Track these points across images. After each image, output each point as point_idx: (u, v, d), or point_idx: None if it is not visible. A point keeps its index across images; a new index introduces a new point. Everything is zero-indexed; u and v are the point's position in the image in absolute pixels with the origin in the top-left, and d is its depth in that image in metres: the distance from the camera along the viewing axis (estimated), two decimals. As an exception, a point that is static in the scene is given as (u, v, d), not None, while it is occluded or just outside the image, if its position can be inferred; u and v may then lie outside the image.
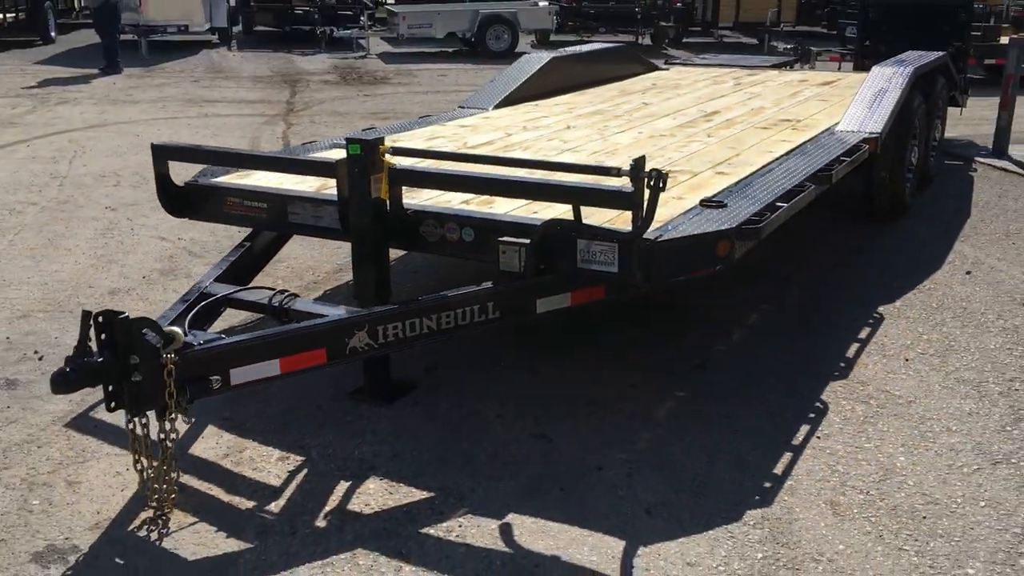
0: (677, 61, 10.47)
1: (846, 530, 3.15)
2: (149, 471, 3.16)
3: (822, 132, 5.75)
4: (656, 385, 4.24)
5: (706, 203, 4.00)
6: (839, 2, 21.26)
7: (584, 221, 3.53)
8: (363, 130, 6.07)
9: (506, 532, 3.15)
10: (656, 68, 9.39)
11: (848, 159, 5.05)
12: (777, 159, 4.96)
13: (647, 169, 3.30)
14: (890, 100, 6.08)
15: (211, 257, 5.87)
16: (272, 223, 4.33)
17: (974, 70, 12.08)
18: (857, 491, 3.38)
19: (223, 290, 3.86)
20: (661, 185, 3.31)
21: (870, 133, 5.63)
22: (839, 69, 10.57)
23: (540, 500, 3.33)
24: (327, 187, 4.22)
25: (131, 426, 3.10)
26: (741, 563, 2.98)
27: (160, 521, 3.15)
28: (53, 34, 18.23)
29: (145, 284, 5.41)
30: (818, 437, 3.77)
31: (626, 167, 3.35)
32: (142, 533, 3.10)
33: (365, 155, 3.73)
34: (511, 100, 6.94)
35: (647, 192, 3.32)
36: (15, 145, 9.18)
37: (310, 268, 5.78)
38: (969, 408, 4.00)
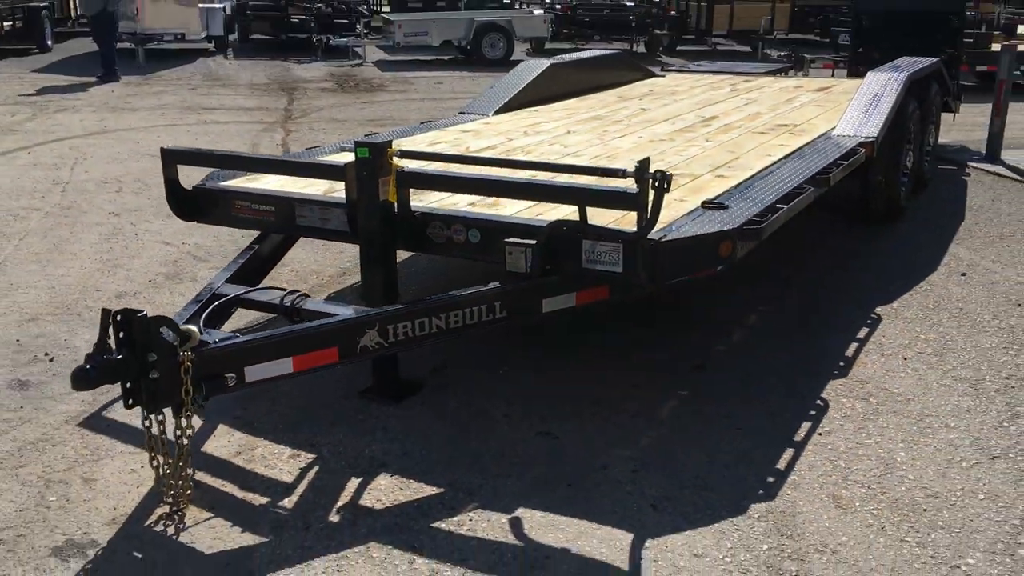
0: (673, 68, 10.58)
1: (849, 522, 3.22)
2: (165, 468, 3.21)
3: (819, 136, 5.84)
4: (658, 385, 4.31)
5: (708, 205, 4.07)
6: (832, 10, 21.49)
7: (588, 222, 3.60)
8: (365, 135, 6.16)
9: (516, 526, 3.21)
10: (653, 75, 9.49)
11: (845, 163, 5.13)
12: (776, 162, 5.05)
13: (651, 171, 3.38)
14: (886, 105, 6.17)
15: (215, 261, 5.93)
16: (280, 226, 4.39)
17: (966, 77, 12.21)
18: (859, 485, 3.45)
19: (235, 291, 3.92)
20: (665, 186, 3.38)
21: (866, 137, 5.72)
22: (832, 76, 10.68)
23: (548, 496, 3.39)
24: (334, 190, 4.30)
25: (147, 423, 3.15)
26: (747, 554, 3.05)
27: (176, 516, 3.20)
28: (50, 42, 18.27)
29: (151, 288, 5.46)
30: (819, 434, 3.84)
31: (631, 169, 3.42)
32: (159, 528, 3.15)
33: (373, 158, 3.80)
34: (511, 106, 7.03)
35: (651, 193, 3.40)
36: (16, 152, 9.22)
37: (314, 272, 5.84)
38: (967, 405, 4.08)
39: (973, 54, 12.78)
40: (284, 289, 3.93)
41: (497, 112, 6.86)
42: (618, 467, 3.60)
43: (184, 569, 2.95)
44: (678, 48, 20.74)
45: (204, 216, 4.54)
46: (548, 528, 3.20)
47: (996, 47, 12.78)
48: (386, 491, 3.41)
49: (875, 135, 5.74)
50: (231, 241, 6.28)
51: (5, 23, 17.09)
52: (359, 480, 3.48)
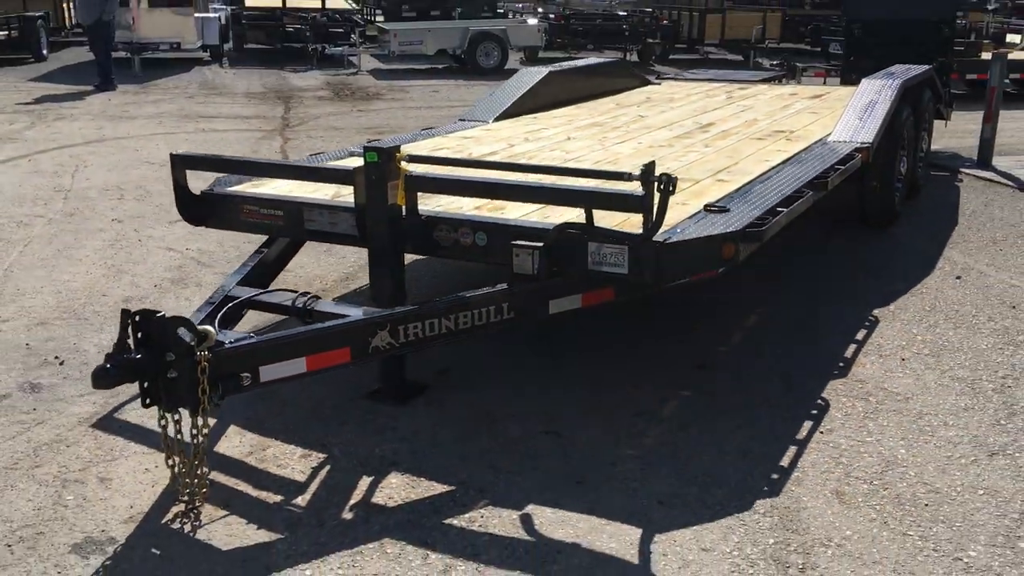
0: (669, 76, 10.68)
1: (852, 517, 3.29)
2: (181, 467, 3.27)
3: (815, 142, 5.92)
4: (662, 384, 4.38)
5: (710, 208, 4.15)
6: (822, 20, 21.69)
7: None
8: (368, 142, 6.21)
9: (527, 522, 3.27)
10: (649, 82, 9.59)
11: (842, 167, 5.22)
12: (774, 167, 5.13)
13: (657, 174, 3.45)
14: (880, 111, 6.27)
15: (219, 267, 5.99)
16: (288, 230, 4.45)
17: (956, 85, 12.35)
18: (861, 481, 3.52)
19: (247, 293, 3.98)
20: (671, 189, 3.46)
21: (862, 143, 5.81)
22: (825, 83, 10.79)
23: (557, 493, 3.45)
24: (340, 195, 4.36)
25: (163, 423, 3.21)
26: (754, 548, 3.11)
27: (192, 514, 3.25)
28: (45, 52, 18.31)
29: (157, 292, 5.51)
30: (821, 432, 3.91)
31: (637, 172, 3.50)
32: (175, 525, 3.20)
33: (382, 163, 3.86)
34: (511, 112, 7.10)
35: (657, 195, 3.47)
36: (16, 160, 9.26)
37: (318, 276, 5.90)
38: (964, 404, 4.16)
39: (963, 62, 12.93)
40: (296, 291, 3.99)
41: (497, 119, 6.93)
42: (625, 464, 3.66)
43: (202, 564, 3.00)
44: (670, 57, 20.88)
45: (213, 221, 4.59)
46: (558, 524, 3.26)
47: (986, 55, 12.96)
48: (397, 489, 3.47)
49: (870, 141, 5.83)
50: (234, 247, 6.34)
51: (0, 32, 17.14)
52: (370, 479, 3.54)
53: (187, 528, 3.19)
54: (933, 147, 8.90)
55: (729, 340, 4.98)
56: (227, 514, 3.27)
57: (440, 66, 19.29)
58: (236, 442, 3.81)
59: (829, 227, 6.97)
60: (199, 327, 3.15)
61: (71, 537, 3.12)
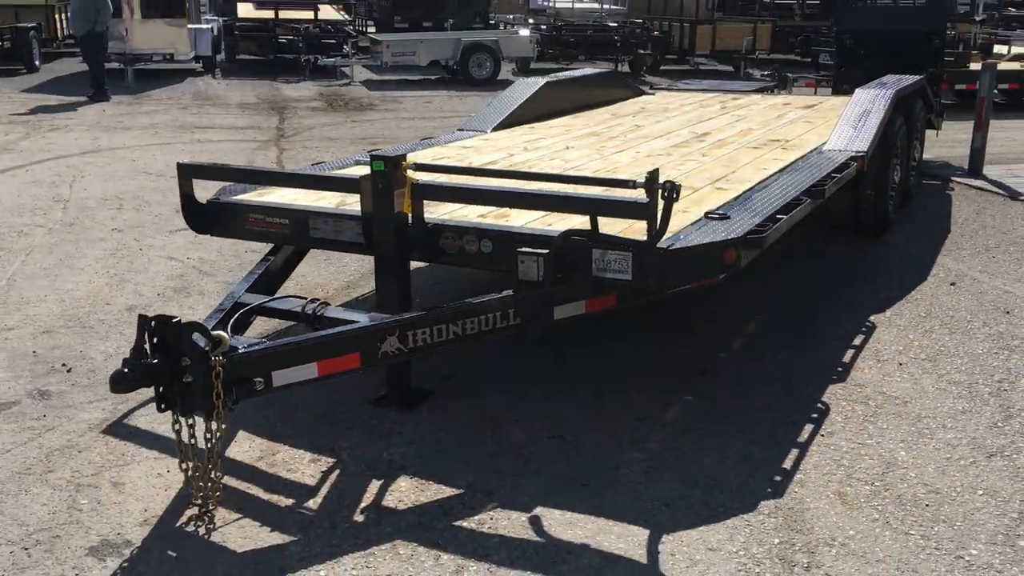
0: (662, 87, 10.77)
1: (855, 518, 3.35)
2: (195, 471, 3.31)
3: (811, 151, 6.00)
4: (664, 389, 4.44)
5: (710, 215, 4.22)
6: (812, 31, 21.90)
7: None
8: (369, 151, 6.28)
9: (535, 524, 3.32)
10: (643, 93, 9.67)
11: (838, 176, 5.30)
12: (771, 176, 5.21)
13: (661, 181, 3.52)
14: (874, 121, 6.36)
15: (220, 275, 6.03)
16: (294, 238, 4.50)
17: (946, 95, 12.49)
18: (863, 483, 3.59)
19: (256, 300, 4.03)
20: (675, 196, 3.52)
21: (857, 152, 5.89)
22: (815, 94, 10.90)
23: (564, 496, 3.50)
24: (345, 203, 4.42)
25: (177, 427, 3.25)
26: (759, 548, 3.17)
27: (206, 517, 3.29)
28: (37, 62, 18.30)
29: (161, 301, 5.55)
30: (822, 435, 3.98)
31: (641, 180, 3.56)
32: (190, 528, 3.24)
33: (389, 171, 3.92)
34: (508, 122, 7.17)
35: (661, 203, 3.54)
36: (13, 170, 9.28)
37: (319, 285, 5.94)
38: (962, 407, 4.23)
39: (953, 73, 13.08)
40: (305, 298, 4.04)
41: (495, 128, 7.00)
42: (630, 467, 3.72)
43: (218, 567, 3.04)
44: (661, 68, 21.01)
45: (218, 229, 4.64)
46: (567, 525, 3.31)
47: (975, 66, 13.11)
48: (407, 492, 3.52)
49: (865, 149, 5.92)
50: (234, 256, 6.38)
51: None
52: (380, 482, 3.59)
53: (201, 531, 3.23)
54: (924, 156, 9.01)
55: (730, 346, 5.05)
56: (240, 517, 3.32)
57: (432, 77, 19.37)
58: (246, 447, 3.85)
59: (826, 235, 7.05)
60: (213, 333, 3.20)
61: (87, 540, 3.15)
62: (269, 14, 20.08)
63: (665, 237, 3.69)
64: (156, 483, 3.52)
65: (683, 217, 4.19)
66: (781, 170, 5.39)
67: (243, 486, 3.54)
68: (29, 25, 18.24)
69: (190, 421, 3.26)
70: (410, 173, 3.98)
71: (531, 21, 24.41)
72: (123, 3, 16.69)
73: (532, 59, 20.08)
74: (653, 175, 3.53)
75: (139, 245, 6.71)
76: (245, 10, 20.73)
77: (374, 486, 3.56)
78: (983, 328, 5.20)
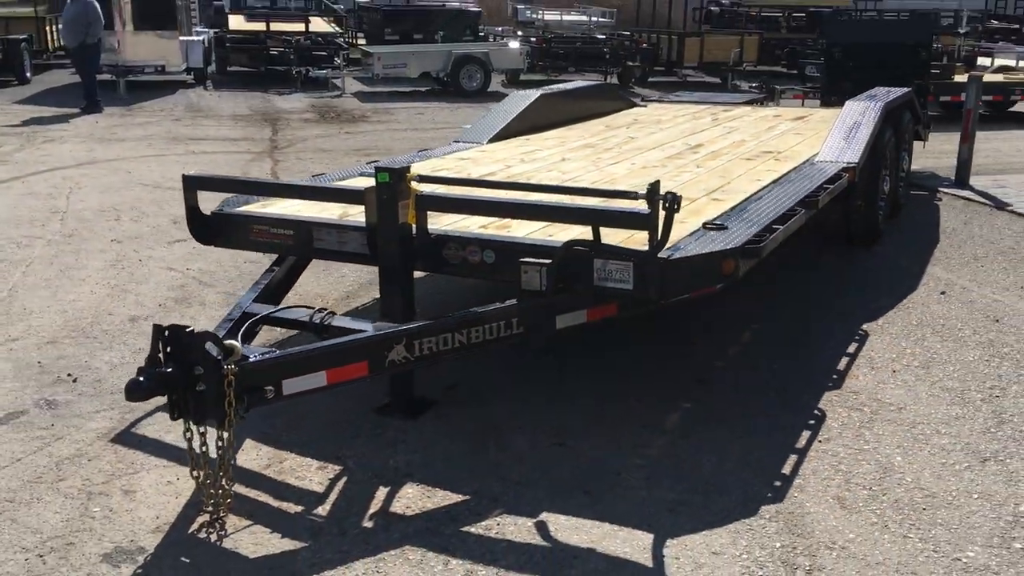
0: (653, 99, 10.88)
1: (854, 521, 3.43)
2: (206, 479, 3.36)
3: (803, 162, 6.10)
4: (664, 397, 4.51)
5: (708, 226, 4.30)
6: (799, 43, 22.10)
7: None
8: (369, 163, 6.34)
9: (542, 529, 3.39)
10: (635, 105, 9.78)
11: (831, 187, 5.39)
12: (766, 187, 5.30)
13: (662, 192, 3.60)
14: (865, 132, 6.47)
15: (220, 286, 6.08)
16: (297, 249, 4.56)
17: (932, 107, 12.64)
18: (861, 487, 3.67)
19: (264, 309, 4.08)
20: (676, 207, 3.60)
21: (848, 163, 5.99)
22: (803, 105, 11.02)
23: (569, 501, 3.57)
24: (348, 215, 4.48)
25: (188, 435, 3.30)
26: (762, 551, 3.24)
27: (217, 524, 3.34)
28: (28, 74, 18.31)
29: (163, 311, 5.59)
30: (819, 441, 4.06)
31: (642, 191, 3.64)
32: (202, 535, 3.29)
33: (394, 183, 3.99)
34: (503, 135, 7.24)
35: (662, 213, 3.62)
36: (9, 182, 9.31)
37: (319, 296, 6.00)
38: (955, 413, 4.32)
39: (938, 85, 13.24)
40: (312, 307, 4.10)
41: (491, 140, 7.08)
42: (632, 474, 3.79)
43: (231, 572, 3.10)
44: (650, 80, 21.16)
45: (223, 240, 4.70)
46: (572, 530, 3.37)
47: (960, 78, 13.29)
48: (414, 499, 3.58)
49: (856, 161, 6.02)
50: (234, 267, 6.43)
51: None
52: (387, 489, 3.65)
53: (213, 537, 3.28)
54: (912, 167, 9.13)
55: (726, 355, 5.13)
56: (251, 524, 3.37)
57: (423, 88, 19.45)
58: (254, 455, 3.90)
59: (818, 246, 7.15)
60: (226, 342, 3.26)
61: (101, 547, 3.20)
62: (260, 26, 20.15)
63: (665, 248, 3.77)
64: (167, 491, 3.57)
65: (681, 228, 4.26)
66: (775, 181, 5.48)
67: (252, 493, 3.60)
68: (20, 37, 18.25)
69: (201, 429, 3.31)
70: (414, 185, 4.05)
71: (520, 33, 24.52)
72: (115, 15, 16.74)
73: (522, 71, 20.19)
74: (654, 187, 3.61)
75: (138, 256, 6.75)
76: (236, 22, 20.81)
77: (381, 493, 3.62)
78: (974, 336, 5.30)
